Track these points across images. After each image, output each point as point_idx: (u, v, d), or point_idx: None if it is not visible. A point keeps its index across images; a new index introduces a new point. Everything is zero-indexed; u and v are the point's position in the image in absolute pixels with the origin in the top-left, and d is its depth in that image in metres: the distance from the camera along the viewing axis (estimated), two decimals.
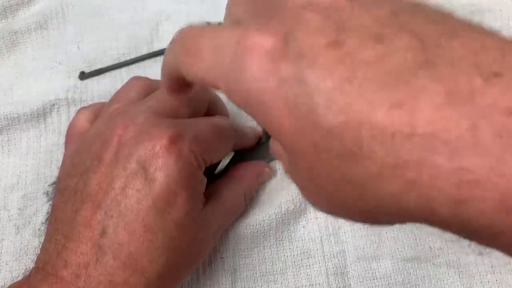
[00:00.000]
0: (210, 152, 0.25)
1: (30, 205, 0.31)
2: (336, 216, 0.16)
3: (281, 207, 0.30)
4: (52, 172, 0.32)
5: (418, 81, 0.12)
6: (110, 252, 0.22)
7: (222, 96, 0.30)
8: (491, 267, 0.29)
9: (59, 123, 0.33)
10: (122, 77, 0.35)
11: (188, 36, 0.18)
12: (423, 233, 0.30)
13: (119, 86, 0.29)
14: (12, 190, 0.31)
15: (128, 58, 0.35)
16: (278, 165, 0.32)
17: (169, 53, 0.19)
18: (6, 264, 0.29)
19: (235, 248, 0.30)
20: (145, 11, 0.37)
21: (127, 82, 0.29)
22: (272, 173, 0.31)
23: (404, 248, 0.30)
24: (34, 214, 0.30)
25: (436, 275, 0.29)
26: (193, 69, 0.17)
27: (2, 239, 0.30)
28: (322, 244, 0.30)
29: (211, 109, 0.29)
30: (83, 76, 0.35)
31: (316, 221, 0.30)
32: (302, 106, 0.13)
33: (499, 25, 0.36)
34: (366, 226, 0.30)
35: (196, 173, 0.24)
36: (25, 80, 0.35)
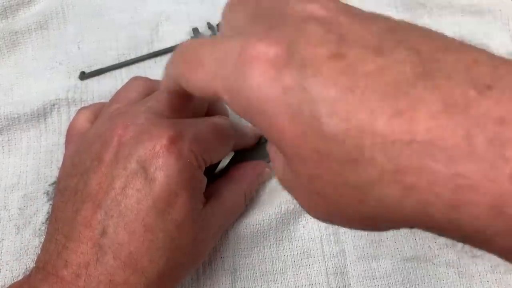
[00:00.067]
0: (210, 152, 0.25)
1: (31, 205, 0.31)
2: (333, 223, 0.16)
3: (281, 207, 0.30)
4: (53, 172, 0.32)
5: (417, 92, 0.12)
6: (111, 252, 0.22)
7: None
8: (491, 267, 0.29)
9: (59, 123, 0.33)
10: (122, 77, 0.35)
11: (189, 50, 0.18)
12: (423, 233, 0.30)
13: (119, 86, 0.29)
14: (12, 190, 0.31)
15: (128, 58, 0.36)
16: None
17: (169, 66, 0.20)
18: (7, 264, 0.29)
19: (235, 248, 0.30)
20: (145, 11, 0.37)
21: (127, 82, 0.29)
22: (272, 173, 0.31)
23: (403, 248, 0.30)
24: (34, 214, 0.31)
25: (435, 275, 0.29)
26: (193, 80, 0.17)
27: (3, 239, 0.30)
28: (322, 244, 0.30)
29: (211, 109, 0.29)
30: (83, 76, 0.35)
31: (316, 221, 0.30)
32: (305, 113, 0.14)
33: (499, 25, 0.36)
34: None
35: (196, 173, 0.24)
36: (25, 80, 0.35)
